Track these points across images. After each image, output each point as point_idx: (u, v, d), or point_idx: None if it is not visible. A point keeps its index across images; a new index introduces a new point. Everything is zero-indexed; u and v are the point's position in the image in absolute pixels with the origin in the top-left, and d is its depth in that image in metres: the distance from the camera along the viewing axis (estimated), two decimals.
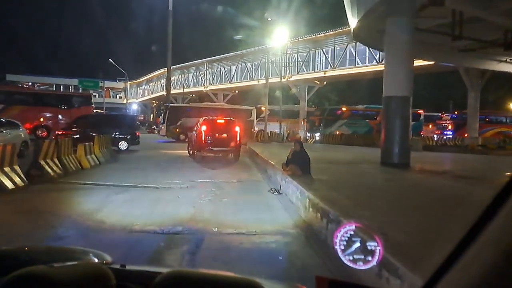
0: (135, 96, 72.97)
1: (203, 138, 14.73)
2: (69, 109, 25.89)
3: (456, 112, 38.95)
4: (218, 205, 7.51)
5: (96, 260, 1.41)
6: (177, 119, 29.74)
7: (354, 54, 34.54)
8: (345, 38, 35.00)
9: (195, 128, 16.06)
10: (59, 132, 18.21)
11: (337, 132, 32.28)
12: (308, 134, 33.99)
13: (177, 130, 28.94)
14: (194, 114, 29.56)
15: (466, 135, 34.96)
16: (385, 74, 12.61)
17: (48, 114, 25.59)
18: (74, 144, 12.71)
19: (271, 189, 9.00)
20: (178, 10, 41.68)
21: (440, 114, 42.44)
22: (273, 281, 1.39)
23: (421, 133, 36.21)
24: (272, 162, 11.62)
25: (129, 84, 72.63)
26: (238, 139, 15.23)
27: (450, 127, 38.31)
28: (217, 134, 14.86)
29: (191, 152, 16.69)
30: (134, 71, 68.96)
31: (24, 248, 1.62)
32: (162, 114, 33.01)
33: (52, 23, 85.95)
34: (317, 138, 33.17)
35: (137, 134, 19.49)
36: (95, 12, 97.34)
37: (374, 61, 33.28)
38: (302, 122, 39.12)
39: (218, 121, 15.89)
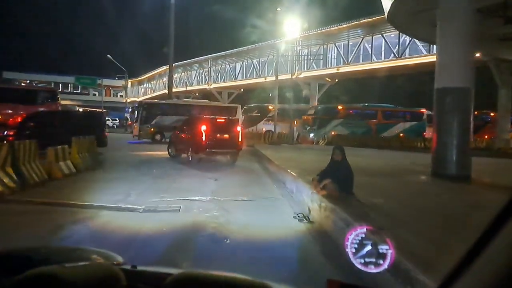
0: (136, 94, 70.46)
1: (204, 139, 13.41)
2: (32, 105, 22.52)
3: (475, 112, 36.12)
4: (222, 249, 4.90)
5: (107, 261, 1.42)
6: (152, 118, 26.84)
7: (370, 49, 31.89)
8: (359, 31, 32.47)
9: (190, 128, 14.50)
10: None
11: (333, 133, 29.41)
12: (312, 135, 31.01)
13: (152, 129, 26.36)
14: (171, 111, 27.24)
15: (486, 136, 32.32)
16: (438, 60, 10.01)
17: (8, 111, 22.22)
18: (43, 147, 10.15)
19: (297, 214, 6.37)
20: (182, 4, 39.31)
21: None
22: (286, 284, 1.38)
23: (424, 134, 33.40)
24: (293, 173, 8.98)
25: (130, 83, 70.28)
26: (240, 140, 14.29)
27: None
28: (218, 135, 13.67)
29: (172, 154, 15.61)
30: (136, 69, 66.72)
31: (37, 248, 1.68)
32: (136, 112, 29.19)
33: (50, 20, 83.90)
34: (312, 138, 30.54)
35: (105, 135, 16.82)
36: (96, 8, 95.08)
37: (391, 55, 30.65)
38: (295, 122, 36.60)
39: (219, 120, 14.77)
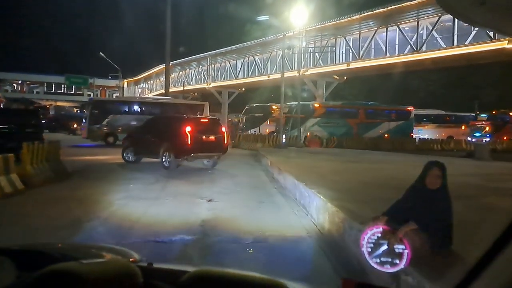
0: (133, 95, 67.61)
1: (189, 141, 11.84)
2: None
3: (494, 112, 33.22)
4: None
5: (124, 258, 1.45)
6: (104, 117, 23.31)
7: (384, 43, 29.04)
8: (371, 23, 29.59)
9: (164, 129, 12.95)
10: None
11: (308, 134, 26.39)
12: (324, 134, 28.04)
13: (104, 130, 23.06)
14: (125, 110, 24.32)
15: (505, 138, 29.54)
16: None
17: None
18: None
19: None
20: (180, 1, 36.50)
21: (474, 114, 36.56)
22: (300, 283, 1.38)
23: (411, 134, 30.54)
24: (322, 197, 6.09)
25: (126, 83, 67.57)
26: (226, 142, 13.15)
27: (487, 129, 32.51)
28: (203, 136, 12.22)
29: (130, 159, 13.70)
30: (132, 68, 63.96)
31: (55, 244, 1.81)
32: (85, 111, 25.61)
33: (43, 20, 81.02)
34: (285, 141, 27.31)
35: (42, 137, 14.03)
36: (89, 5, 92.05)
37: (406, 50, 27.79)
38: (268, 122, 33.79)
39: (203, 120, 13.75)
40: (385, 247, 1.44)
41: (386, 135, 29.21)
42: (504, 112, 32.82)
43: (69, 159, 12.43)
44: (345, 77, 35.75)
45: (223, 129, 13.07)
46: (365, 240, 1.42)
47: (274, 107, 29.03)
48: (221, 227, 5.69)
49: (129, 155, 13.75)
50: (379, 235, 1.42)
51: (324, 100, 34.49)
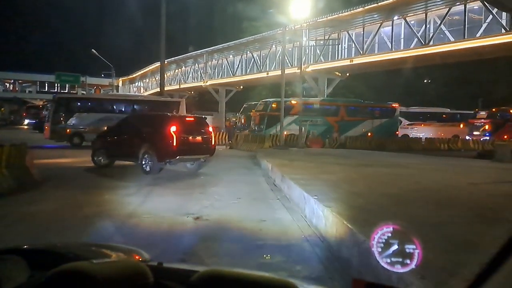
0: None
1: (174, 142, 10.65)
2: None
3: (493, 110, 31.54)
4: None
5: (135, 258, 1.47)
6: (69, 116, 21.32)
7: (390, 37, 27.51)
8: (376, 16, 28.06)
9: (144, 128, 11.60)
10: None
11: (285, 133, 24.35)
12: (335, 135, 26.37)
13: (68, 130, 21.06)
14: (93, 108, 22.14)
15: (506, 136, 28.02)
16: None
17: None
18: None
19: None
20: None
21: (474, 112, 34.62)
22: (309, 282, 1.43)
23: (396, 133, 28.80)
24: (349, 225, 4.49)
25: (121, 81, 65.92)
26: (213, 142, 12.09)
27: (487, 127, 30.94)
28: (190, 137, 11.15)
29: (100, 162, 12.29)
30: (128, 66, 62.33)
31: (66, 244, 1.85)
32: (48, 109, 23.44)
33: (34, 17, 78.96)
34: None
35: None
36: (83, 2, 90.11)
37: (413, 44, 26.28)
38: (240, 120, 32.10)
39: (188, 119, 12.39)
40: (395, 247, 1.21)
41: (369, 134, 27.46)
42: (505, 109, 31.08)
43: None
44: (347, 74, 34.24)
45: (210, 128, 12.07)
46: (375, 239, 1.23)
47: (273, 105, 27.42)
48: (208, 263, 4.15)
49: (100, 158, 12.31)
50: (390, 234, 1.20)
51: (325, 96, 32.94)
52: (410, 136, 31.82)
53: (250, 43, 38.54)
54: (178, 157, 10.82)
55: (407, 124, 34.33)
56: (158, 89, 45.58)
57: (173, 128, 10.69)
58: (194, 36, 58.25)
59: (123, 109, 22.10)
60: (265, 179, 10.76)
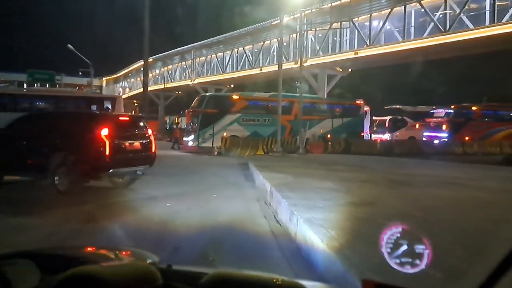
0: (112, 94, 62.08)
1: (107, 151, 7.94)
2: None
3: (452, 106, 27.87)
4: None
5: (144, 260, 1.47)
6: None
7: (401, 26, 24.14)
8: (384, 2, 24.71)
9: (56, 133, 8.57)
10: None
11: (225, 134, 20.50)
12: (192, 138, 21.55)
13: None
14: (3, 106, 17.35)
15: (467, 138, 24.97)
16: None
17: None
18: None
19: None
20: None
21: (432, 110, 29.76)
22: (318, 283, 1.42)
23: (362, 134, 24.42)
24: None
25: (105, 81, 62.15)
26: (154, 149, 9.33)
27: (444, 127, 27.22)
28: (127, 143, 8.56)
29: None
30: (113, 66, 58.58)
31: (75, 248, 1.92)
32: None
33: (12, 15, 74.83)
34: (190, 143, 21.34)
35: None
36: None
37: (426, 33, 22.90)
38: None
39: (123, 119, 9.51)
40: (405, 247, 1.27)
41: (328, 135, 22.97)
42: (466, 106, 27.69)
43: None
44: (349, 70, 30.81)
45: (150, 131, 9.46)
46: (384, 240, 1.27)
47: (210, 100, 22.14)
48: None
49: None
50: (399, 235, 1.25)
51: (325, 96, 29.42)
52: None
53: (241, 37, 35.09)
54: (111, 170, 8.18)
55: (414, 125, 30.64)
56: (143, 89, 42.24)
57: (104, 132, 7.92)
58: (182, 31, 54.71)
59: (32, 107, 17.95)
60: (261, 208, 7.20)
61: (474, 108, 27.61)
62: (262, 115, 22.33)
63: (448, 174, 10.91)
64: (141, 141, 8.92)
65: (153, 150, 9.27)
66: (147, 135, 9.20)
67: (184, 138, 22.91)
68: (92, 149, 8.09)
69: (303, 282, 1.12)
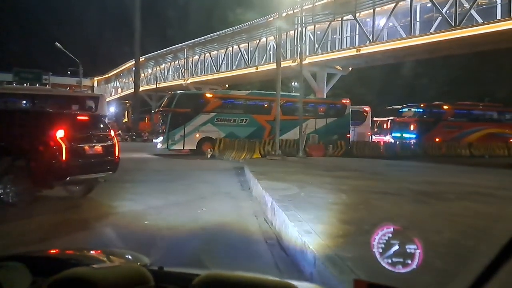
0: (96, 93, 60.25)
1: (63, 156, 6.72)
2: None
3: (422, 105, 26.42)
4: None
5: (135, 262, 1.46)
6: None
7: (406, 21, 22.81)
8: None
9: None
10: None
11: (197, 135, 19.15)
12: (161, 140, 19.77)
13: None
14: None
15: (437, 139, 23.79)
16: None
17: None
18: None
19: None
20: None
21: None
22: (311, 284, 1.46)
23: (348, 135, 22.23)
24: None
25: (96, 81, 60.50)
26: (117, 153, 8.00)
27: (412, 127, 25.69)
28: (86, 146, 7.33)
29: None
30: (105, 66, 56.91)
31: (67, 250, 1.81)
32: None
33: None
34: (159, 145, 19.68)
35: None
36: None
37: (433, 28, 21.60)
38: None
39: (81, 118, 8.15)
40: (396, 247, 1.23)
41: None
42: (437, 105, 26.17)
43: None
44: (350, 68, 29.48)
45: (112, 132, 8.34)
46: (376, 240, 1.25)
47: (181, 98, 20.14)
48: None
49: None
50: (390, 235, 1.23)
51: (325, 96, 28.00)
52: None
53: (236, 34, 33.71)
54: (68, 177, 7.04)
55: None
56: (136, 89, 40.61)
57: (60, 133, 6.77)
58: (175, 30, 53.16)
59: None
60: (260, 225, 5.73)
61: (445, 107, 26.06)
62: (239, 115, 20.52)
63: (470, 181, 9.50)
64: (102, 144, 7.75)
65: (117, 154, 8.07)
66: (109, 137, 8.03)
67: (154, 140, 21.33)
68: (46, 153, 6.87)
69: (294, 283, 1.10)
